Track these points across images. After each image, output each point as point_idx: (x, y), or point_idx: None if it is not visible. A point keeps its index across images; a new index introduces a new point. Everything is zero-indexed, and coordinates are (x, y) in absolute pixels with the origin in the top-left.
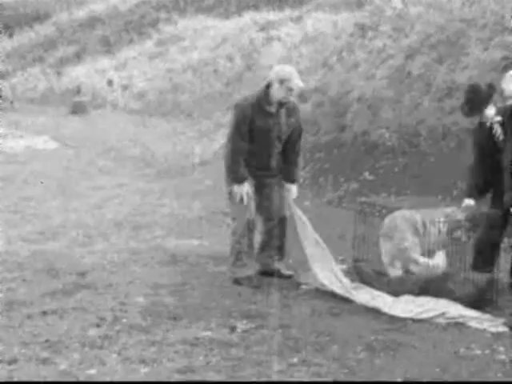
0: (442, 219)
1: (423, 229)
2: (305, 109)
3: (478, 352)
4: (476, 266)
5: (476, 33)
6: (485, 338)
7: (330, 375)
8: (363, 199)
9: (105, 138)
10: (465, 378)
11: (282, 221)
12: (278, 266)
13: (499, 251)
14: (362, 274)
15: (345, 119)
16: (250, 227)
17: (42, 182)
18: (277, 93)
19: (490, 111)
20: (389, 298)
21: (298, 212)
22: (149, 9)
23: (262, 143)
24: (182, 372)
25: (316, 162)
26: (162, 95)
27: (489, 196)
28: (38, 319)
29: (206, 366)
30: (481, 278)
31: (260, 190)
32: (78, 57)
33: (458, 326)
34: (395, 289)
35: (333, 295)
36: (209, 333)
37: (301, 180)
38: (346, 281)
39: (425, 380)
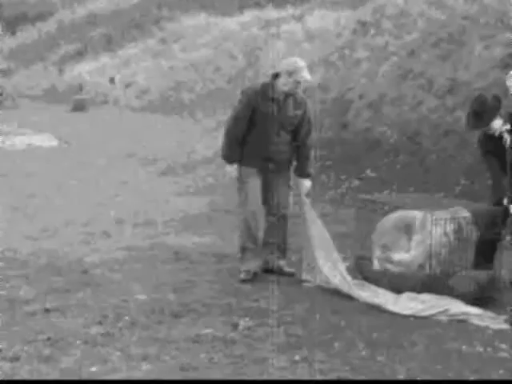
0: (448, 217)
1: (422, 229)
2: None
3: (480, 349)
4: (478, 264)
5: (478, 30)
6: (487, 335)
7: (332, 372)
8: (365, 196)
9: (107, 136)
10: (466, 375)
11: (283, 218)
12: (280, 263)
13: (502, 248)
14: (364, 272)
15: (347, 117)
16: (253, 223)
17: None
18: (284, 84)
19: (498, 122)
20: (391, 296)
21: (309, 207)
22: (151, 6)
23: (265, 129)
24: (184, 369)
25: (318, 160)
26: (165, 93)
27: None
28: (41, 317)
29: (209, 364)
30: (483, 275)
31: (265, 183)
32: (81, 54)
33: (460, 323)
34: (397, 286)
35: (335, 292)
36: (211, 330)
37: None
38: (349, 278)
39: (427, 377)
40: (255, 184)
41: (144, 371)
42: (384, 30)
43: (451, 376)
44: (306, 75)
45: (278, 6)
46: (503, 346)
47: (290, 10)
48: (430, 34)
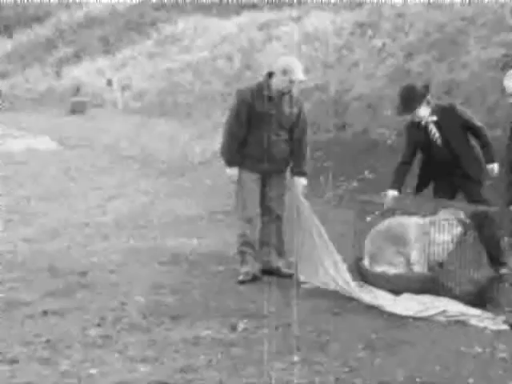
0: (453, 221)
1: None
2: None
3: (479, 350)
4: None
5: (475, 31)
6: (486, 336)
7: (330, 374)
8: (363, 198)
9: (104, 138)
10: (465, 376)
11: (278, 219)
12: (278, 264)
13: None
14: (362, 273)
15: (344, 118)
16: (249, 229)
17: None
18: (278, 83)
19: (424, 111)
20: (389, 297)
21: (306, 206)
22: (148, 8)
23: (263, 129)
24: (183, 371)
25: (316, 161)
26: (162, 95)
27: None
28: (39, 319)
29: (207, 365)
30: (481, 276)
31: (262, 184)
32: (78, 57)
33: (459, 323)
34: (396, 287)
35: (333, 294)
36: (209, 332)
37: None
38: (348, 279)
39: (425, 378)
40: (254, 188)
41: (143, 373)
42: (382, 32)
43: (450, 377)
44: (299, 75)
45: (275, 8)
46: (502, 346)
47: (287, 12)
48: (427, 35)
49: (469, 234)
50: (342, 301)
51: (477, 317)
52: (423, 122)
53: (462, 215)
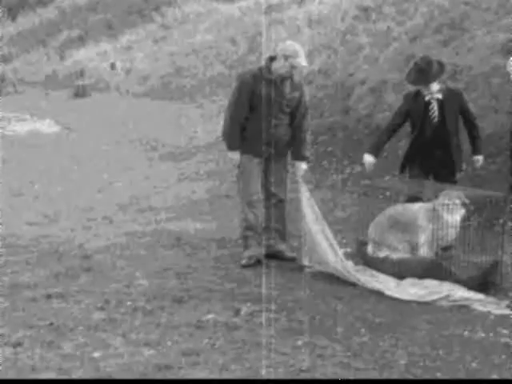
0: (450, 203)
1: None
2: (308, 91)
3: (482, 335)
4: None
5: (480, 15)
6: (489, 321)
7: (334, 358)
8: (367, 182)
9: (108, 122)
10: (468, 360)
11: (281, 203)
12: (281, 248)
13: (504, 235)
14: (366, 257)
15: (348, 102)
16: (251, 213)
17: None
18: (280, 67)
19: (434, 87)
20: (393, 281)
21: (305, 191)
22: None
23: (265, 113)
24: (186, 354)
25: (320, 145)
26: (166, 78)
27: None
28: (43, 302)
29: (211, 349)
30: (485, 261)
31: (264, 169)
32: (81, 40)
33: (462, 308)
34: (399, 271)
35: (337, 278)
36: (213, 315)
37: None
38: (349, 263)
39: (428, 362)
40: (255, 172)
41: (146, 356)
42: (386, 16)
43: (453, 361)
44: (301, 60)
45: None
46: (505, 331)
47: None
48: (431, 19)
49: (472, 219)
50: (345, 285)
51: (480, 301)
52: (427, 98)
53: (463, 199)
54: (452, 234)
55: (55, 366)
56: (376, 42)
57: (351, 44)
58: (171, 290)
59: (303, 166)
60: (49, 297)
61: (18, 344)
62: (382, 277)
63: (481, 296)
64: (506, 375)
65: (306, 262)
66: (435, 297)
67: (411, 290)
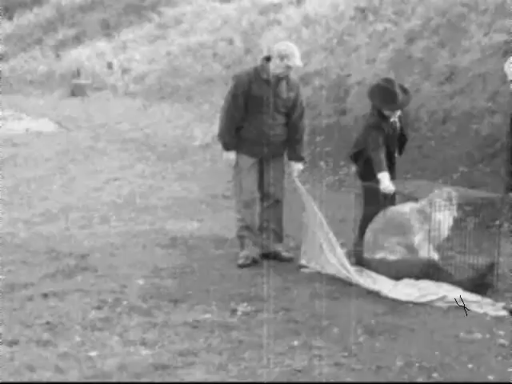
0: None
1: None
2: (305, 92)
3: (478, 336)
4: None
5: (477, 17)
6: (485, 322)
7: (330, 358)
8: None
9: (104, 121)
10: (465, 361)
11: (277, 203)
12: (277, 248)
13: (500, 236)
14: (362, 258)
15: (345, 103)
16: (247, 214)
17: None
18: (275, 67)
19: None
20: (389, 282)
21: (303, 191)
22: None
23: (260, 113)
24: (183, 354)
25: (316, 146)
26: (162, 78)
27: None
28: (39, 301)
29: (207, 349)
30: (481, 262)
31: (260, 169)
32: (78, 39)
33: (459, 309)
34: (396, 272)
35: (333, 278)
36: (209, 315)
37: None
38: (347, 263)
39: (424, 363)
40: (251, 173)
41: (143, 356)
42: (383, 16)
43: (449, 362)
44: (296, 61)
45: None
46: (501, 332)
47: None
48: (429, 20)
49: (469, 220)
50: (341, 285)
51: (476, 303)
52: (395, 118)
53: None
54: (443, 230)
55: (51, 364)
56: (373, 43)
57: (348, 44)
58: (167, 290)
59: (299, 166)
60: (45, 296)
61: (15, 343)
62: (378, 278)
63: (477, 297)
64: (503, 376)
65: (304, 262)
66: (432, 298)
67: (407, 290)
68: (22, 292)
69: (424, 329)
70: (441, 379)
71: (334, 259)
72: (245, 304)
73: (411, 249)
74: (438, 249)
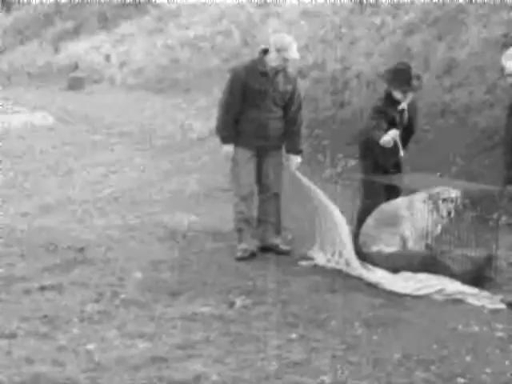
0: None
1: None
2: (304, 85)
3: (476, 328)
4: None
5: (475, 9)
6: (483, 315)
7: (328, 351)
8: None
9: (102, 114)
10: (462, 354)
11: (275, 196)
12: (276, 241)
13: (498, 229)
14: (360, 251)
15: (343, 96)
16: (244, 207)
17: None
18: (272, 60)
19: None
20: (387, 274)
21: (307, 182)
22: None
23: (258, 106)
24: (181, 347)
25: (314, 139)
26: (160, 71)
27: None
28: (37, 294)
29: (205, 341)
30: (479, 255)
31: (258, 162)
32: (76, 32)
33: (457, 302)
34: (394, 265)
35: (331, 271)
36: (207, 308)
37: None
38: (347, 256)
39: (422, 356)
40: (248, 165)
41: (141, 349)
42: (381, 9)
43: (447, 355)
44: (293, 53)
45: None
46: (499, 325)
47: None
48: (427, 13)
49: (466, 214)
50: (339, 278)
51: (474, 295)
52: (404, 105)
53: (456, 193)
54: (432, 226)
55: (49, 357)
56: (371, 36)
57: (346, 37)
58: (166, 283)
59: (297, 159)
60: (43, 289)
61: (12, 336)
62: (376, 270)
63: (475, 290)
64: (500, 369)
65: (308, 254)
66: (430, 290)
67: (405, 283)
68: (19, 285)
69: (422, 321)
70: (438, 372)
71: (334, 250)
72: (243, 297)
73: (405, 239)
74: (436, 241)
